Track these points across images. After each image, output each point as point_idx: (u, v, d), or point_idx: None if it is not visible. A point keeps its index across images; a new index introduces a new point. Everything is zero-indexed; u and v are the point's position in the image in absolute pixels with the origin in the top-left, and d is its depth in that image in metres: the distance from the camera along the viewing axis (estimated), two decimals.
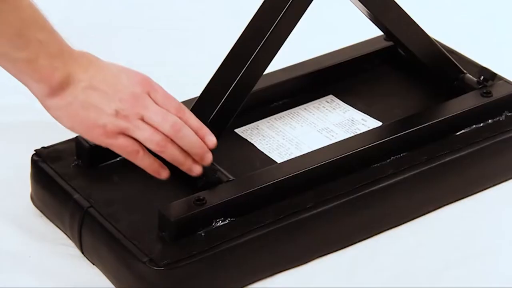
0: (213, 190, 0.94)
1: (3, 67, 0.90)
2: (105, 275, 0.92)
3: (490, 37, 1.40)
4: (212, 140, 0.92)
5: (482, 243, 1.00)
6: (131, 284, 0.90)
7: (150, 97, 0.91)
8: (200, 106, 1.01)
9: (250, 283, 0.93)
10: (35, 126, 1.13)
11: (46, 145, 1.01)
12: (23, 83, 0.92)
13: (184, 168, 0.91)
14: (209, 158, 0.92)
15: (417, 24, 1.11)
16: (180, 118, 0.92)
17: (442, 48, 1.13)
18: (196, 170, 0.92)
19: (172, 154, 0.89)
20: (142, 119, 0.90)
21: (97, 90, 0.91)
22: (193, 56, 1.39)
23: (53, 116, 0.92)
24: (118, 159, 1.00)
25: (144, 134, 0.89)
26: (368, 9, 1.06)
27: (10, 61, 0.90)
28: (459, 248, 0.98)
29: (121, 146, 0.89)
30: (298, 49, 1.18)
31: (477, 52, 1.24)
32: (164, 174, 0.91)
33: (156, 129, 0.89)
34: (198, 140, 0.91)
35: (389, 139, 1.00)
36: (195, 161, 0.92)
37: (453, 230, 1.01)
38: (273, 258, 0.94)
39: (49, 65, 0.89)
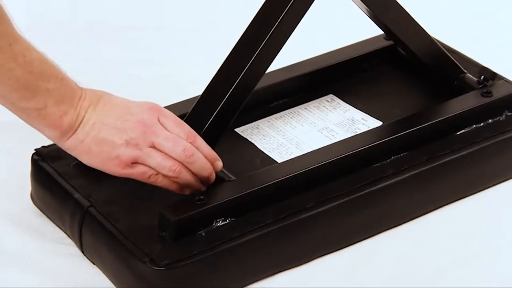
0: (213, 190, 0.93)
1: (14, 113, 0.92)
2: (105, 275, 0.92)
3: (491, 37, 1.40)
4: (220, 164, 0.94)
5: (481, 243, 0.99)
6: (131, 284, 0.89)
7: (160, 123, 0.92)
8: (201, 106, 1.00)
9: (250, 283, 0.93)
10: None
11: (46, 144, 1.00)
12: (35, 128, 0.94)
13: (192, 189, 0.93)
14: (213, 178, 0.95)
15: (418, 23, 1.10)
16: (191, 143, 0.93)
17: (442, 48, 1.12)
18: (203, 189, 0.94)
19: (185, 178, 0.91)
20: (153, 146, 0.92)
21: (106, 124, 0.92)
22: (193, 56, 1.38)
23: (73, 155, 0.95)
24: None
25: (156, 161, 0.91)
26: (368, 7, 1.05)
27: (18, 110, 0.91)
28: (458, 248, 0.98)
29: (138, 174, 0.91)
30: (298, 48, 1.17)
31: (478, 52, 1.23)
32: (187, 191, 0.94)
33: (167, 155, 0.91)
34: (208, 165, 0.92)
35: (390, 139, 1.00)
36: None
37: (453, 230, 1.01)
38: (273, 258, 0.94)
39: (58, 111, 0.91)
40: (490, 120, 1.08)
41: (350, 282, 0.93)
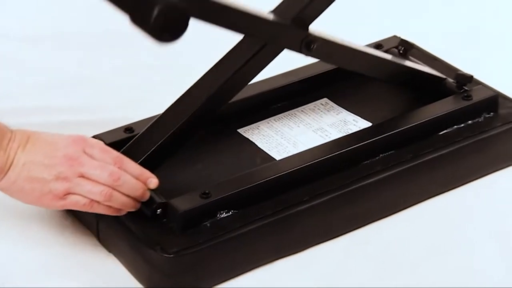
0: (217, 185, 0.96)
1: None
2: (120, 262, 0.96)
3: (471, 42, 1.41)
4: (154, 181, 0.95)
5: (461, 233, 1.03)
6: (144, 270, 0.93)
7: (86, 154, 0.94)
8: (152, 130, 1.03)
9: (250, 269, 0.96)
10: (53, 124, 1.15)
11: None
12: None
13: (128, 208, 0.94)
14: (147, 196, 0.95)
15: (379, 57, 1.12)
16: (119, 167, 0.94)
17: (412, 66, 1.14)
18: (138, 207, 0.95)
19: (118, 201, 0.92)
20: (82, 176, 0.93)
21: (35, 163, 0.93)
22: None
23: (7, 195, 0.96)
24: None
25: (86, 189, 0.92)
26: (332, 63, 1.09)
27: None
28: (441, 238, 1.01)
29: (73, 204, 0.93)
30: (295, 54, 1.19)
31: (460, 57, 1.25)
32: (122, 212, 0.94)
33: (96, 181, 0.92)
34: (139, 184, 0.93)
35: (378, 138, 1.03)
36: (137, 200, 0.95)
37: (435, 221, 1.04)
38: (271, 246, 0.97)
39: None
40: (469, 122, 1.10)
41: (343, 268, 0.97)
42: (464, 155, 1.09)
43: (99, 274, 0.95)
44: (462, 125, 1.09)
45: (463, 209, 1.06)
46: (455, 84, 1.13)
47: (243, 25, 0.99)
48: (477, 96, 1.09)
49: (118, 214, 0.93)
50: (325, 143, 1.04)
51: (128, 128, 1.07)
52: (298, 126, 1.07)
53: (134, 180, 0.93)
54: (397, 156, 1.04)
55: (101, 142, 0.98)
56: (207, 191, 0.93)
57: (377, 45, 1.26)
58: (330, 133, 1.06)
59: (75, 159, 0.92)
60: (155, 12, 0.83)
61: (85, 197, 0.92)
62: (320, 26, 1.25)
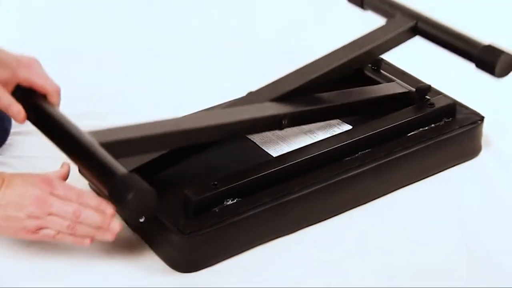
0: (223, 177, 1.01)
1: None
2: (144, 240, 1.02)
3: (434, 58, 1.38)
4: (109, 211, 0.96)
5: (426, 216, 1.11)
6: (163, 247, 1.00)
7: (53, 194, 0.97)
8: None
9: (251, 247, 1.04)
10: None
11: None
12: None
13: (98, 237, 0.98)
14: (107, 224, 0.97)
15: (350, 101, 1.16)
16: (80, 203, 0.96)
17: (374, 94, 1.19)
18: (109, 237, 0.97)
19: (83, 232, 0.96)
20: (51, 214, 0.96)
21: (10, 203, 0.97)
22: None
23: None
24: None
25: (56, 225, 0.97)
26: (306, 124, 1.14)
27: None
28: (410, 219, 1.10)
29: (44, 236, 0.98)
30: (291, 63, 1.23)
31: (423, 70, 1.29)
32: (86, 243, 0.98)
33: (63, 217, 0.96)
34: (98, 216, 0.96)
35: (357, 139, 1.10)
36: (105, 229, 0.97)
37: (405, 207, 1.13)
38: (269, 229, 1.04)
39: None
40: (432, 125, 1.17)
41: (328, 246, 1.05)
42: (428, 153, 1.15)
43: (128, 254, 1.02)
44: (426, 128, 1.16)
45: (427, 197, 1.14)
46: (417, 95, 1.17)
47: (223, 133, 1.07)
48: (439, 104, 1.15)
49: (83, 244, 0.97)
50: (313, 142, 1.10)
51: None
52: (291, 129, 1.12)
53: (94, 214, 0.96)
54: (373, 154, 1.11)
55: (64, 182, 1.01)
56: (215, 183, 0.99)
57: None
58: (318, 134, 1.12)
59: (44, 201, 0.96)
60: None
61: (54, 230, 0.97)
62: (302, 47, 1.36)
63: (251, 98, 1.13)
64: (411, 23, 1.19)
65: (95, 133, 0.98)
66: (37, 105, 1.01)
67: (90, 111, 1.28)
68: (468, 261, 1.03)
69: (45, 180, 0.97)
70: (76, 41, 1.56)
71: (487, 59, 1.12)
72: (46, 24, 1.63)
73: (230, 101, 1.15)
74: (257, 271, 1.00)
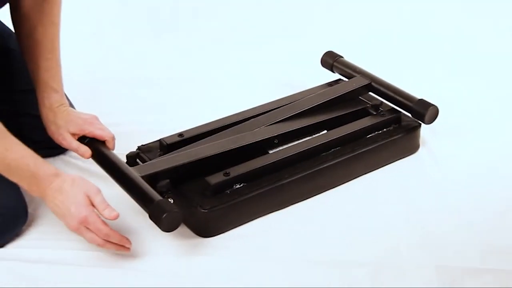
0: (233, 167, 1.15)
1: None
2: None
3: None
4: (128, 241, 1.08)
5: (378, 198, 1.24)
6: (190, 220, 1.13)
7: (93, 205, 1.06)
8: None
9: (254, 219, 1.17)
10: (137, 134, 1.34)
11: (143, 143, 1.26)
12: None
13: (116, 249, 1.08)
14: (127, 244, 1.08)
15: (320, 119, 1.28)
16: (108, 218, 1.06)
17: (344, 112, 1.30)
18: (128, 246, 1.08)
19: (109, 247, 1.08)
20: (88, 225, 1.05)
21: (63, 211, 1.06)
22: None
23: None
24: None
25: (88, 236, 1.06)
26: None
27: (20, 186, 1.10)
28: (367, 198, 1.24)
29: (83, 235, 1.07)
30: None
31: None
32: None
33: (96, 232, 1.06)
34: (120, 238, 1.08)
35: (330, 139, 1.25)
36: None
37: (363, 188, 1.27)
38: (267, 206, 1.18)
39: (31, 190, 1.08)
40: (384, 129, 1.31)
41: (310, 217, 1.19)
42: (381, 149, 1.29)
43: None
44: (380, 131, 1.31)
45: (380, 182, 1.29)
46: (372, 108, 1.34)
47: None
48: (389, 114, 1.33)
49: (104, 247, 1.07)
50: (299, 142, 1.26)
51: (180, 134, 1.25)
52: None
53: (119, 237, 1.07)
54: (342, 150, 1.25)
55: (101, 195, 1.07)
56: (227, 172, 1.15)
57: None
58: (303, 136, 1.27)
59: (83, 221, 1.06)
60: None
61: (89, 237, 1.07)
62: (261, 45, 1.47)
63: (252, 124, 1.27)
64: (366, 82, 1.38)
65: (137, 168, 1.14)
66: (98, 149, 1.20)
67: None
68: (409, 228, 1.17)
69: (89, 189, 1.08)
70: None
71: (420, 110, 1.29)
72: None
73: (233, 128, 1.26)
74: (258, 236, 1.15)
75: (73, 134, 1.20)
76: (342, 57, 1.47)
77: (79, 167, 1.29)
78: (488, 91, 1.56)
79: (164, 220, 1.02)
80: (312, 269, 1.09)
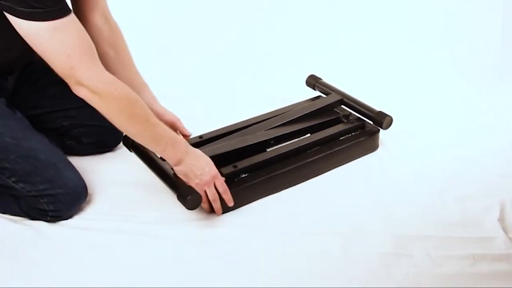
0: (240, 161, 1.24)
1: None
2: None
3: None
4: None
5: (347, 184, 1.30)
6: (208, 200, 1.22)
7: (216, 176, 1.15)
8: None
9: (254, 201, 1.25)
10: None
11: None
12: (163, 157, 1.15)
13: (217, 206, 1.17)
14: (230, 203, 1.17)
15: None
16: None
17: (324, 119, 1.35)
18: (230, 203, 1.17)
19: (220, 201, 1.17)
20: (214, 185, 1.14)
21: (197, 169, 1.11)
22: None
23: (180, 172, 1.14)
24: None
25: (212, 193, 1.13)
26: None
27: (153, 151, 1.17)
28: (339, 185, 1.30)
29: (208, 191, 1.14)
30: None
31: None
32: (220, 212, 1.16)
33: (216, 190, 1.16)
34: (230, 198, 1.18)
35: (313, 141, 1.33)
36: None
37: (337, 178, 1.32)
38: (264, 190, 1.26)
39: (172, 154, 1.12)
40: (353, 133, 1.38)
41: (298, 199, 1.25)
42: (350, 148, 1.36)
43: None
44: (349, 135, 1.38)
45: (349, 173, 1.35)
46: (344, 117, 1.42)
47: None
48: (356, 122, 1.41)
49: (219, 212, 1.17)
50: (289, 143, 1.32)
51: (200, 136, 1.32)
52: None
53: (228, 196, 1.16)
54: (322, 149, 1.32)
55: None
56: (236, 165, 1.25)
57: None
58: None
59: (216, 178, 1.14)
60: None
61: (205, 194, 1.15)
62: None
63: (254, 129, 1.34)
64: (339, 98, 1.46)
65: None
66: (137, 147, 1.21)
67: None
68: (371, 206, 1.23)
69: (215, 174, 1.16)
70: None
71: (379, 119, 1.38)
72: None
73: (240, 132, 1.33)
74: (258, 214, 1.23)
75: None
76: (321, 79, 1.53)
77: (124, 159, 1.35)
78: (431, 104, 1.61)
79: (189, 201, 1.12)
80: (300, 237, 1.17)
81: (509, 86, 1.62)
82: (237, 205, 1.24)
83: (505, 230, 1.14)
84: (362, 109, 1.40)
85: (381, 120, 1.37)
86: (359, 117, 1.42)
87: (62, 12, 0.98)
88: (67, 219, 1.21)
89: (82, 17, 1.19)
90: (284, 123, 1.36)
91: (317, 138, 1.34)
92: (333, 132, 1.37)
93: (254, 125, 1.35)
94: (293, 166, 1.29)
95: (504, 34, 1.69)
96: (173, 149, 1.10)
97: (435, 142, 1.45)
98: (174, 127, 1.25)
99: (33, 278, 1.06)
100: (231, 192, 1.22)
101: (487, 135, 1.45)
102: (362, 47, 1.69)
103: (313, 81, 1.52)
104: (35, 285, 1.05)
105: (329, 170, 1.35)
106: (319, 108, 1.41)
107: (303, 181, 1.31)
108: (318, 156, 1.32)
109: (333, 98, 1.44)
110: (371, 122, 1.40)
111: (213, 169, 1.13)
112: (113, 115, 1.03)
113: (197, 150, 1.14)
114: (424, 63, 1.75)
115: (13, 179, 1.15)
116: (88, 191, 1.23)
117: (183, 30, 1.80)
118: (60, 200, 1.17)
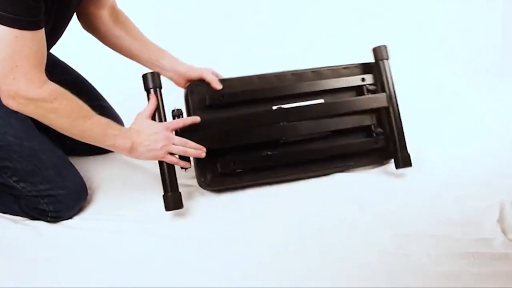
0: (238, 159, 1.29)
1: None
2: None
3: None
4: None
5: (346, 187, 1.31)
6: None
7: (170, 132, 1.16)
8: None
9: (253, 187, 1.31)
10: None
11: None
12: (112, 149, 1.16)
13: (195, 155, 1.18)
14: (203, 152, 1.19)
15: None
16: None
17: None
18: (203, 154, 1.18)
19: (190, 153, 1.18)
20: (173, 144, 1.16)
21: (149, 142, 1.13)
22: None
23: (135, 158, 1.15)
24: None
25: (177, 150, 1.16)
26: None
27: (104, 146, 1.15)
28: (333, 186, 1.32)
29: (170, 159, 1.16)
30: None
31: None
32: (188, 165, 1.16)
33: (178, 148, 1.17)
34: (197, 151, 1.18)
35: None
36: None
37: (335, 179, 1.34)
38: (261, 178, 1.31)
39: (123, 143, 1.13)
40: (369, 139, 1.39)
41: (295, 197, 1.28)
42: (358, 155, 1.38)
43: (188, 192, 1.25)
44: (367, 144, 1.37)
45: (347, 173, 1.34)
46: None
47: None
48: (380, 136, 1.37)
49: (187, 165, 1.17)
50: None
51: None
52: None
53: (196, 150, 1.16)
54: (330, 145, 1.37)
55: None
56: (234, 162, 1.31)
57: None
58: None
59: (168, 138, 1.14)
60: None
61: (174, 155, 1.15)
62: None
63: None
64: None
65: None
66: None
67: None
68: (373, 208, 1.23)
69: (164, 125, 1.16)
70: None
71: (397, 160, 1.33)
72: None
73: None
74: (256, 211, 1.25)
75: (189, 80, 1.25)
76: None
77: (124, 159, 1.36)
78: (431, 104, 1.63)
79: (166, 206, 1.15)
80: (298, 235, 1.17)
81: (509, 86, 1.66)
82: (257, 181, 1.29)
83: (504, 232, 1.15)
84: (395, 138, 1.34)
85: (400, 164, 1.33)
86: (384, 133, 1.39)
87: (30, 24, 1.02)
88: (67, 219, 1.22)
89: (92, 14, 1.26)
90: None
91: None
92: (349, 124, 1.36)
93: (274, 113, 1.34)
94: (294, 174, 1.33)
95: (504, 34, 1.73)
96: (123, 139, 1.12)
97: (435, 142, 1.47)
98: (204, 80, 1.28)
99: (33, 278, 1.07)
100: (227, 188, 1.25)
101: (487, 135, 1.48)
102: (362, 47, 1.66)
103: None
104: (35, 285, 1.06)
105: (332, 169, 1.36)
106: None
107: (309, 176, 1.33)
108: (325, 147, 1.35)
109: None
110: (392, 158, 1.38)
111: (162, 133, 1.12)
112: (55, 123, 1.08)
113: (139, 123, 1.14)
114: (424, 63, 1.77)
115: (14, 178, 1.18)
116: (88, 191, 1.25)
117: (183, 30, 1.83)
118: (60, 200, 1.19)
